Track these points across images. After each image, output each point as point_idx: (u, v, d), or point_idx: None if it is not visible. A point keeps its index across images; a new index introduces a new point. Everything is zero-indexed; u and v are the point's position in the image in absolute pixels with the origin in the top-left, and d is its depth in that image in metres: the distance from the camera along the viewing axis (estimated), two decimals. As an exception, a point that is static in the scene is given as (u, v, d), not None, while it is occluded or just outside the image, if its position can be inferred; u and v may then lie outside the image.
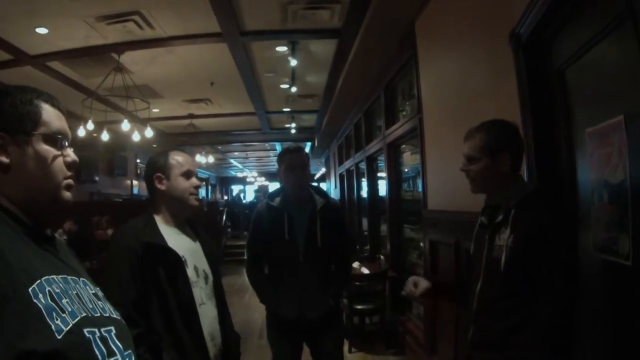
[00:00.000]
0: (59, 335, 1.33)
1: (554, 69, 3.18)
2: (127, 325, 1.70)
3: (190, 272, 2.94)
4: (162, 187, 3.07)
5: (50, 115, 1.64)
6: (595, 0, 2.61)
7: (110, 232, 11.98)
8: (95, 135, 11.83)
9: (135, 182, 23.84)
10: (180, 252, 2.90)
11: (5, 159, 1.52)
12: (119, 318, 1.67)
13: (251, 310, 10.63)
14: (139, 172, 24.37)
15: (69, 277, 1.53)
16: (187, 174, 3.12)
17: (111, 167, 20.57)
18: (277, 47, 10.00)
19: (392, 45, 7.52)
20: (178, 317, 2.79)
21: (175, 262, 2.86)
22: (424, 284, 3.26)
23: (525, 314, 2.54)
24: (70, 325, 1.38)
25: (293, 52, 9.93)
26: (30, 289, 1.34)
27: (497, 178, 2.80)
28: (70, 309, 1.41)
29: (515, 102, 3.50)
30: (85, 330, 1.42)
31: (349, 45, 8.37)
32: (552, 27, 3.11)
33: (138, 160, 24.13)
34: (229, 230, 26.06)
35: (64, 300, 1.41)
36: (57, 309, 1.37)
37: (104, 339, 1.48)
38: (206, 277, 3.10)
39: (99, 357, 1.42)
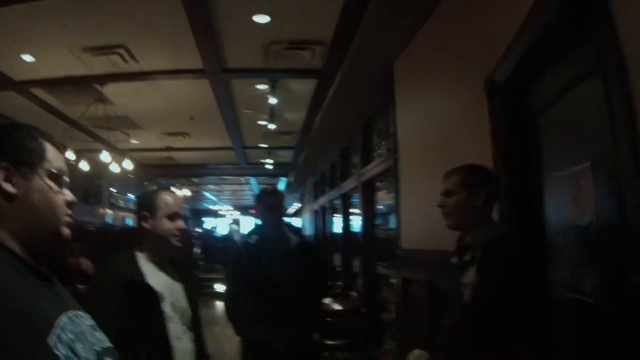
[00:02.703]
0: None
1: (527, 115, 3.30)
2: None
3: (167, 307, 2.97)
4: (147, 225, 3.10)
5: (53, 154, 1.66)
6: (568, 53, 2.73)
7: (82, 260, 11.86)
8: (73, 163, 11.79)
9: (109, 211, 23.64)
10: (157, 288, 2.94)
11: (11, 189, 1.52)
12: (112, 346, 1.70)
13: (221, 343, 10.54)
14: (113, 200, 24.19)
15: (71, 314, 1.53)
16: (173, 216, 3.15)
17: (86, 196, 20.27)
18: (258, 84, 10.09)
19: (371, 86, 7.61)
20: (154, 350, 2.81)
21: (151, 297, 2.90)
22: (425, 355, 3.35)
23: (495, 354, 2.63)
24: None
25: (273, 90, 10.01)
26: (48, 339, 1.35)
27: (470, 213, 2.92)
28: (85, 355, 1.44)
29: (489, 144, 3.62)
30: None
31: (329, 85, 8.47)
32: (527, 75, 3.22)
33: (113, 190, 23.96)
34: (202, 263, 25.83)
35: (78, 346, 1.44)
36: (75, 358, 1.40)
37: None
38: (182, 313, 3.12)
39: None
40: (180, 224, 3.19)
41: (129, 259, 3.03)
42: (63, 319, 1.45)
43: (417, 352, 3.39)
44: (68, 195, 1.69)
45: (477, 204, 2.90)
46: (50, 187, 1.60)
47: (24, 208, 1.54)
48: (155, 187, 3.22)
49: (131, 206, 25.78)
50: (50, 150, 1.65)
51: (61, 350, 1.35)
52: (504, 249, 2.74)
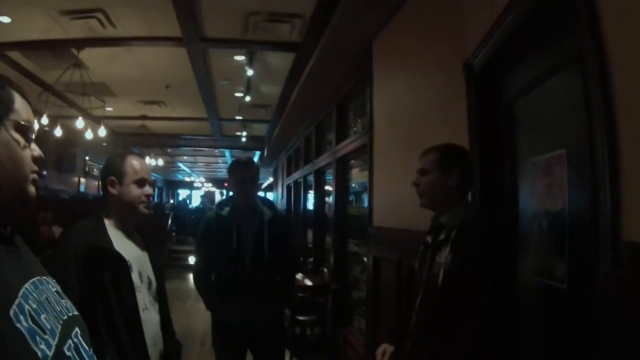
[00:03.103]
0: None
1: (504, 101, 3.32)
2: None
3: (134, 277, 2.92)
4: (114, 191, 3.04)
5: (21, 104, 1.52)
6: (548, 40, 2.74)
7: (55, 229, 11.82)
8: (47, 129, 11.69)
9: (82, 180, 23.42)
10: (125, 257, 2.87)
11: None
12: (77, 313, 1.59)
13: (193, 317, 10.60)
14: (87, 169, 23.99)
15: (36, 280, 1.43)
16: (141, 182, 3.09)
17: (59, 163, 19.92)
18: (235, 56, 10.02)
19: (348, 63, 7.63)
20: (121, 321, 2.75)
21: (121, 266, 2.84)
22: (389, 349, 3.38)
23: (457, 328, 2.67)
24: (53, 347, 1.30)
25: (250, 62, 9.94)
26: (11, 312, 1.22)
27: (444, 192, 2.94)
28: (49, 327, 1.33)
29: (465, 128, 3.62)
30: (65, 349, 1.35)
31: (306, 60, 8.44)
32: (504, 62, 3.24)
33: (87, 158, 23.77)
34: (174, 235, 25.81)
35: (42, 317, 1.32)
36: (39, 331, 1.28)
37: (77, 348, 1.43)
38: (150, 284, 3.09)
39: None
40: (148, 190, 3.14)
41: (95, 225, 2.95)
42: (27, 286, 1.35)
43: (383, 346, 3.43)
44: (35, 150, 1.57)
45: (450, 184, 2.92)
46: (17, 141, 1.47)
47: None
48: (121, 153, 3.11)
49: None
50: (19, 101, 1.52)
51: (23, 323, 1.24)
52: (478, 230, 2.79)
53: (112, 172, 3.07)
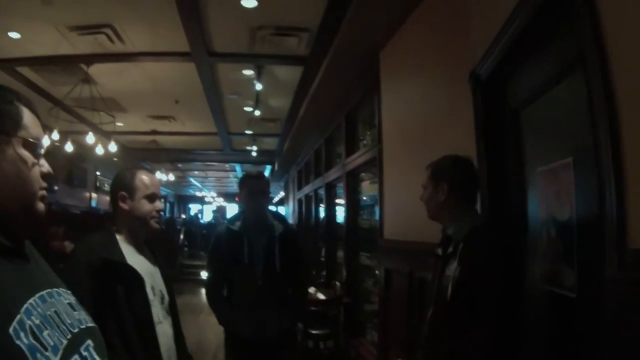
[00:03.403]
0: None
1: (510, 109, 3.31)
2: None
3: (147, 290, 2.91)
4: (125, 206, 3.04)
5: (30, 120, 1.51)
6: (552, 48, 2.73)
7: (67, 243, 11.82)
8: (57, 144, 11.74)
9: (94, 195, 23.52)
10: (138, 271, 2.86)
11: None
12: (93, 325, 1.60)
13: (206, 330, 10.58)
14: (98, 184, 24.06)
15: (44, 293, 1.41)
16: (152, 197, 3.10)
17: (70, 178, 20.04)
18: (244, 70, 10.05)
19: (355, 75, 7.64)
20: (135, 335, 2.74)
21: (135, 280, 2.83)
22: None
23: (466, 340, 2.66)
24: None
25: (259, 75, 9.98)
26: (11, 329, 1.21)
27: (437, 206, 3.01)
28: (52, 343, 1.30)
29: (472, 137, 3.62)
30: None
31: (314, 73, 8.45)
32: (510, 70, 3.23)
33: (98, 173, 23.84)
34: (186, 249, 25.81)
35: (45, 333, 1.30)
36: (40, 348, 1.25)
37: None
38: (162, 297, 3.09)
39: None
40: (159, 205, 3.15)
41: (107, 240, 2.95)
42: (32, 301, 1.33)
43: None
44: (44, 166, 1.55)
45: (440, 199, 2.98)
46: (25, 159, 1.46)
47: None
48: (132, 168, 3.11)
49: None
50: (27, 116, 1.51)
51: (23, 340, 1.22)
52: (481, 240, 2.79)
53: (123, 187, 3.07)
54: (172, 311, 3.20)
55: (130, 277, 2.82)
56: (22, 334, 1.22)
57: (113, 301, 2.72)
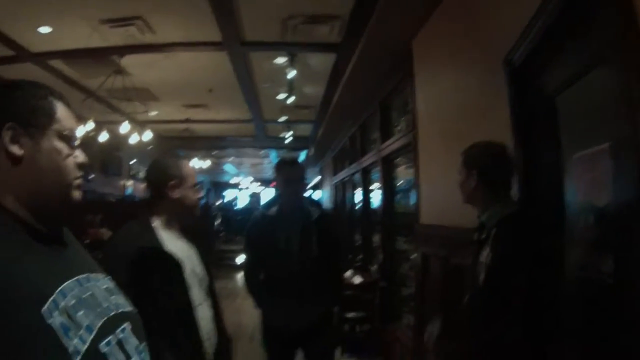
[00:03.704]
0: (76, 358, 1.28)
1: (545, 95, 3.27)
2: None
3: (187, 275, 2.97)
4: (174, 194, 3.11)
5: (64, 113, 1.60)
6: (587, 32, 2.71)
7: (103, 231, 11.96)
8: (92, 134, 11.87)
9: (129, 183, 23.74)
10: (177, 255, 2.94)
11: (17, 151, 1.45)
12: (131, 309, 1.67)
13: (242, 314, 10.65)
14: (132, 172, 24.27)
15: (81, 278, 1.48)
16: (196, 186, 3.22)
17: (106, 167, 20.37)
18: (276, 58, 10.06)
19: (388, 63, 7.60)
20: (175, 320, 2.81)
21: (173, 265, 2.90)
22: (435, 328, 3.41)
23: (499, 327, 2.68)
24: (87, 344, 1.33)
25: (291, 63, 9.98)
26: (43, 310, 1.27)
27: (469, 192, 3.04)
28: (86, 323, 1.36)
29: (507, 124, 3.59)
30: (101, 345, 1.38)
31: (347, 60, 8.43)
32: (544, 55, 3.19)
33: (132, 161, 24.03)
34: (222, 234, 25.96)
35: (79, 314, 1.36)
36: (73, 327, 1.32)
37: (119, 344, 1.45)
38: (201, 280, 3.15)
39: None
40: (200, 193, 3.29)
41: (144, 227, 3.02)
42: (68, 283, 1.40)
43: (429, 328, 3.45)
44: (79, 156, 1.63)
45: (471, 185, 3.00)
46: (59, 150, 1.55)
47: (31, 172, 1.49)
48: (174, 156, 3.20)
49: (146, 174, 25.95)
50: (61, 109, 1.60)
51: (56, 318, 1.28)
52: (513, 227, 2.81)
53: (173, 175, 3.14)
54: (212, 293, 3.27)
55: (168, 264, 2.90)
56: (55, 314, 1.29)
57: (152, 288, 2.79)
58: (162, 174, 3.18)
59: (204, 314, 3.07)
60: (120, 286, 2.61)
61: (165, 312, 2.78)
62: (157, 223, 3.09)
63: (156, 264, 2.85)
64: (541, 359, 2.79)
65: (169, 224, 3.13)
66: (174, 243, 3.06)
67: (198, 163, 22.49)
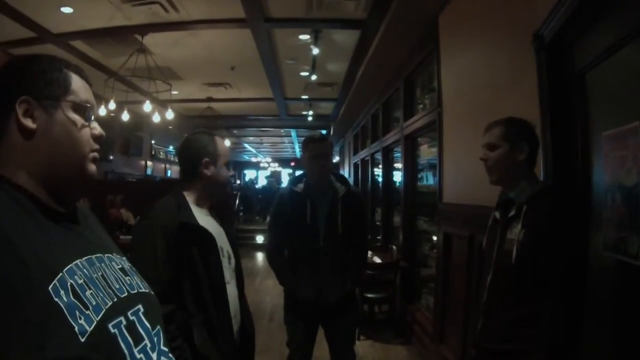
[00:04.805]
0: (82, 338, 1.24)
1: (575, 72, 3.24)
2: (160, 302, 1.68)
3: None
4: (208, 172, 3.10)
5: (79, 85, 1.58)
6: (619, 8, 2.67)
7: (123, 211, 12.05)
8: (113, 114, 11.93)
9: (149, 163, 23.86)
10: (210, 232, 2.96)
11: (31, 124, 1.44)
12: (147, 291, 1.63)
13: (262, 294, 10.73)
14: (153, 152, 24.38)
15: (93, 257, 1.46)
16: (229, 164, 3.21)
17: (126, 147, 20.47)
18: (300, 35, 10.06)
19: (414, 39, 7.58)
20: (209, 295, 2.84)
21: (209, 242, 2.92)
22: None
23: (532, 307, 2.65)
24: (95, 323, 1.30)
25: (315, 40, 9.97)
26: (50, 287, 1.25)
27: (513, 167, 2.91)
28: (94, 303, 1.33)
29: (535, 100, 3.56)
30: (110, 326, 1.35)
31: (372, 36, 8.40)
32: (575, 31, 3.16)
33: (153, 141, 24.15)
34: (242, 214, 26.06)
35: (87, 293, 1.33)
36: (80, 306, 1.29)
37: (130, 325, 1.42)
38: (229, 258, 3.17)
39: (126, 351, 1.36)
40: (232, 171, 3.28)
41: (179, 203, 3.02)
42: (78, 261, 1.38)
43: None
44: (95, 128, 1.60)
45: (520, 158, 2.89)
46: (74, 121, 1.52)
47: (44, 144, 1.47)
48: (206, 133, 3.15)
49: (172, 157, 26.09)
50: (76, 81, 1.58)
51: (63, 298, 1.26)
52: (547, 203, 2.74)
53: (206, 153, 3.13)
54: (238, 272, 3.28)
55: (205, 239, 2.93)
56: (62, 292, 1.26)
57: (189, 262, 2.83)
58: (195, 151, 3.16)
59: (231, 292, 3.08)
60: (157, 260, 2.65)
61: (198, 286, 2.83)
62: (189, 200, 3.09)
63: (191, 237, 2.86)
64: (576, 336, 2.78)
65: (200, 202, 3.14)
66: (205, 219, 3.07)
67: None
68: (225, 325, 2.94)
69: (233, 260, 3.22)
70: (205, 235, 2.91)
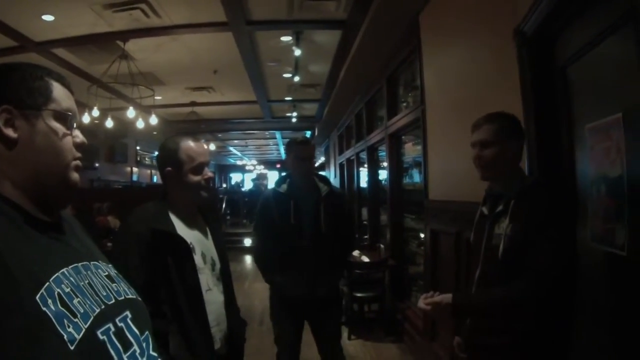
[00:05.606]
0: (71, 346, 1.25)
1: (557, 66, 3.26)
2: None
3: (197, 258, 2.97)
4: (173, 180, 3.06)
5: (61, 93, 1.57)
6: (596, 4, 2.70)
7: (110, 218, 12.03)
8: (97, 122, 11.89)
9: (135, 169, 23.84)
10: (188, 239, 2.92)
11: (12, 134, 1.43)
12: (134, 297, 1.64)
13: (251, 297, 10.72)
14: (138, 159, 24.36)
15: (79, 265, 1.46)
16: (198, 169, 3.08)
17: (112, 154, 20.53)
18: (282, 36, 10.07)
19: (395, 37, 7.60)
20: (185, 303, 2.82)
21: (183, 249, 2.88)
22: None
23: (517, 285, 2.66)
24: (83, 331, 1.30)
25: (297, 42, 9.99)
26: (38, 296, 1.25)
27: (505, 164, 2.90)
28: (82, 310, 1.34)
29: (518, 95, 3.58)
30: (99, 333, 1.35)
31: (353, 36, 8.43)
32: (556, 25, 3.17)
33: (138, 147, 24.12)
34: (228, 218, 26.01)
35: (75, 301, 1.34)
36: (68, 314, 1.29)
37: (119, 332, 1.43)
38: (213, 264, 3.14)
39: (115, 357, 1.36)
40: (207, 173, 3.14)
41: (157, 210, 3.00)
42: (64, 270, 1.38)
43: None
44: (77, 136, 1.60)
45: (510, 155, 2.89)
46: (56, 130, 1.52)
47: (27, 154, 1.46)
48: (174, 140, 3.06)
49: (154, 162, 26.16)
50: (58, 90, 1.57)
51: (50, 306, 1.26)
52: (538, 197, 2.75)
53: (169, 162, 3.08)
54: (225, 277, 3.25)
55: (180, 247, 2.89)
56: (49, 301, 1.26)
57: (164, 270, 2.80)
58: (160, 160, 3.15)
59: (213, 299, 3.06)
60: (131, 266, 2.64)
61: (173, 294, 2.81)
62: (170, 206, 3.07)
63: (166, 245, 2.84)
64: (565, 328, 2.80)
65: (180, 207, 3.10)
66: (185, 226, 3.05)
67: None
68: (203, 333, 2.92)
69: (218, 266, 3.20)
70: (180, 243, 2.88)
